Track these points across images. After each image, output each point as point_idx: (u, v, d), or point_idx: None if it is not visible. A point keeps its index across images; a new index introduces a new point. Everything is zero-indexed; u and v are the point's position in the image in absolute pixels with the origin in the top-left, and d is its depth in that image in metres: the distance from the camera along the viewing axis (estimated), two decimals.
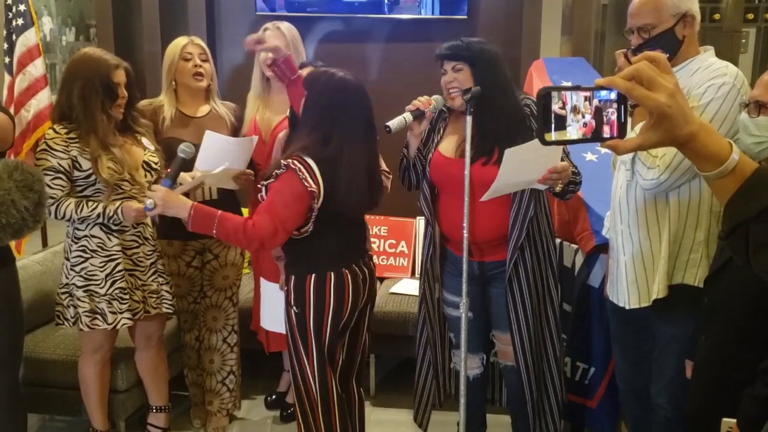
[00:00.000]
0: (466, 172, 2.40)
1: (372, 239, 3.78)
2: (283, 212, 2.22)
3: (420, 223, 3.92)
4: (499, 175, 2.27)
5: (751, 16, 3.85)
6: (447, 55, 2.47)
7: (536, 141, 2.36)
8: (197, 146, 2.71)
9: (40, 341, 3.00)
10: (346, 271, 2.41)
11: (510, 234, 2.47)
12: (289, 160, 2.23)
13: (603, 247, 2.73)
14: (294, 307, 2.39)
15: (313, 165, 2.23)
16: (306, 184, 2.21)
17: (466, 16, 3.81)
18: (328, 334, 2.40)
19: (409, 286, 3.68)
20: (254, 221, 2.22)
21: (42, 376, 3.00)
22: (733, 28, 3.49)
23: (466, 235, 2.43)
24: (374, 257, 3.84)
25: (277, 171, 2.24)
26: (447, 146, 2.56)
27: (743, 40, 4.17)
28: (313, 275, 2.36)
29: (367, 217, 2.65)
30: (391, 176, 2.96)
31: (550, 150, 2.22)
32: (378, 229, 3.93)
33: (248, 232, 2.21)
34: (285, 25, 3.12)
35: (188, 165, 2.42)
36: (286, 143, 2.71)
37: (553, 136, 0.98)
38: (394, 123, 2.45)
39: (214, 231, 2.24)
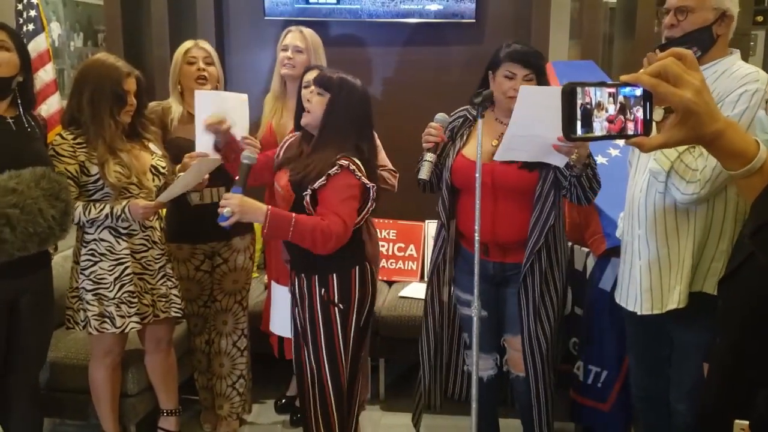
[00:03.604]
0: (477, 175, 2.40)
1: (380, 243, 3.78)
2: (345, 209, 2.31)
3: (429, 226, 3.92)
4: (512, 117, 2.24)
5: (760, 18, 3.83)
6: (526, 61, 2.42)
7: (556, 88, 2.32)
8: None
9: (51, 345, 2.99)
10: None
11: (528, 238, 2.47)
12: (343, 162, 2.29)
13: (614, 250, 2.72)
14: (339, 305, 2.42)
15: (360, 165, 2.35)
16: (364, 180, 2.33)
17: (474, 20, 3.81)
18: (365, 326, 2.52)
19: (418, 290, 3.66)
20: (327, 222, 2.28)
21: (52, 380, 3.00)
22: (742, 30, 3.48)
23: (477, 236, 2.42)
24: (383, 261, 3.85)
25: (330, 172, 2.29)
26: (473, 149, 2.49)
27: (752, 43, 4.16)
28: (357, 267, 2.45)
29: (375, 220, 2.66)
30: (397, 174, 2.97)
31: None
32: (387, 232, 3.92)
33: (325, 232, 2.27)
34: (309, 30, 3.15)
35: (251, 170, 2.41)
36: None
37: (579, 132, 0.98)
38: (424, 172, 2.44)
39: (290, 234, 2.28)
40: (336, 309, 2.43)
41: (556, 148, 2.22)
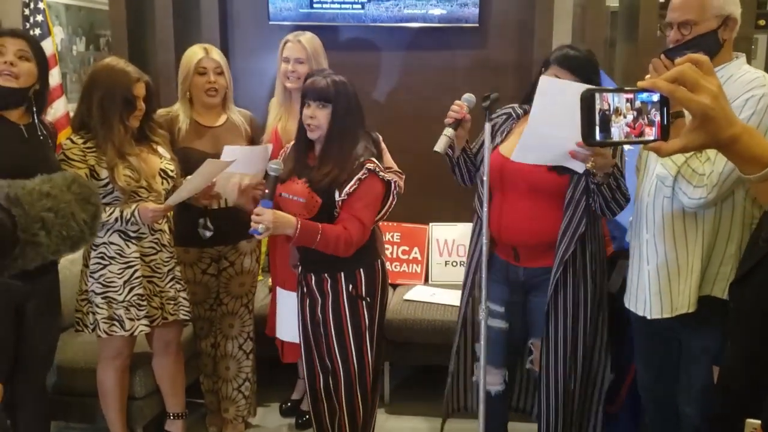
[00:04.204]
0: (485, 178, 2.42)
1: (385, 245, 3.79)
2: (368, 214, 2.44)
3: (433, 229, 3.94)
4: (532, 110, 2.25)
5: (762, 22, 3.86)
6: (572, 68, 2.38)
7: (578, 84, 2.31)
8: (212, 155, 2.76)
9: (59, 348, 3.00)
10: None
11: (558, 246, 2.44)
12: (369, 165, 2.41)
13: (620, 253, 2.74)
14: (366, 298, 2.52)
15: (377, 161, 2.47)
16: (387, 178, 2.47)
17: (477, 24, 3.82)
18: (383, 318, 2.65)
19: (423, 293, 3.68)
20: (349, 230, 2.38)
21: (60, 383, 3.01)
22: (743, 34, 3.51)
23: (485, 233, 2.42)
24: (387, 264, 3.87)
25: (360, 176, 2.39)
26: (509, 146, 2.51)
27: (753, 47, 4.19)
28: (379, 261, 2.61)
29: (380, 223, 2.70)
30: (403, 176, 2.98)
31: None
32: (391, 235, 3.93)
33: (348, 241, 2.38)
34: (306, 37, 3.12)
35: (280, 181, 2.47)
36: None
37: (598, 137, 1.00)
38: (440, 145, 2.40)
39: (316, 243, 2.37)
40: (363, 303, 2.51)
41: (572, 154, 2.20)
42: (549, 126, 2.21)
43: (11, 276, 0.93)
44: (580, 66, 2.39)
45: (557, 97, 2.15)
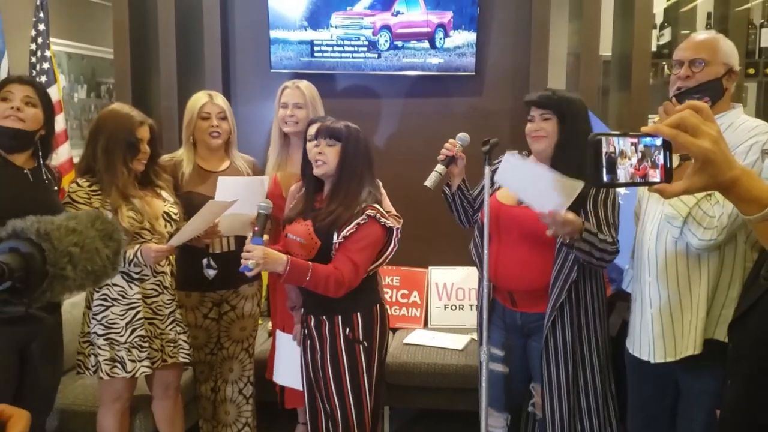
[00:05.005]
0: (486, 220, 2.46)
1: (384, 289, 3.81)
2: (363, 257, 2.45)
3: (432, 273, 3.96)
4: (496, 178, 2.39)
5: (752, 71, 3.96)
6: (537, 102, 2.48)
7: (535, 166, 2.42)
8: (212, 197, 2.80)
9: (59, 391, 2.99)
10: None
11: (550, 292, 2.46)
12: (370, 211, 2.44)
13: (618, 295, 2.76)
14: (363, 342, 2.51)
15: (380, 207, 2.50)
16: (389, 225, 2.50)
17: (474, 73, 3.92)
18: (383, 362, 2.63)
19: (423, 337, 3.69)
20: (340, 270, 2.40)
21: (61, 427, 2.99)
22: (736, 82, 3.62)
23: (486, 274, 2.46)
24: (388, 308, 3.88)
25: (359, 221, 2.42)
26: (505, 192, 2.54)
27: (743, 95, 4.28)
28: (378, 305, 2.61)
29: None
30: (401, 221, 3.02)
31: (556, 190, 2.18)
32: (390, 279, 3.95)
33: (338, 280, 2.39)
34: (304, 84, 3.19)
35: (269, 220, 2.52)
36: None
37: (605, 178, 1.04)
38: (431, 181, 2.50)
39: (306, 282, 2.39)
40: (361, 347, 2.51)
41: (539, 217, 2.23)
42: (517, 185, 2.31)
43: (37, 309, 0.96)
44: (544, 99, 2.45)
45: (520, 174, 2.26)
